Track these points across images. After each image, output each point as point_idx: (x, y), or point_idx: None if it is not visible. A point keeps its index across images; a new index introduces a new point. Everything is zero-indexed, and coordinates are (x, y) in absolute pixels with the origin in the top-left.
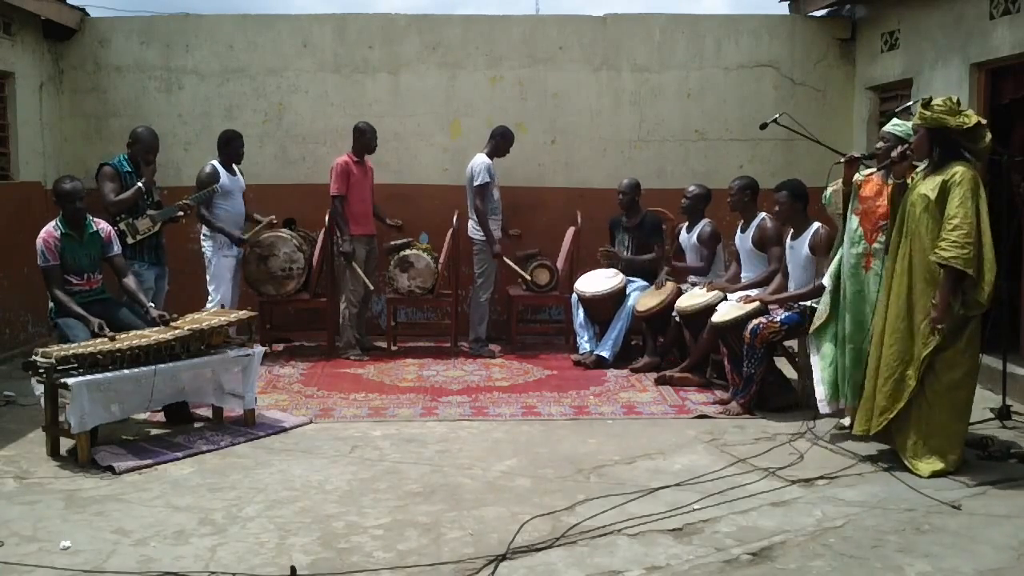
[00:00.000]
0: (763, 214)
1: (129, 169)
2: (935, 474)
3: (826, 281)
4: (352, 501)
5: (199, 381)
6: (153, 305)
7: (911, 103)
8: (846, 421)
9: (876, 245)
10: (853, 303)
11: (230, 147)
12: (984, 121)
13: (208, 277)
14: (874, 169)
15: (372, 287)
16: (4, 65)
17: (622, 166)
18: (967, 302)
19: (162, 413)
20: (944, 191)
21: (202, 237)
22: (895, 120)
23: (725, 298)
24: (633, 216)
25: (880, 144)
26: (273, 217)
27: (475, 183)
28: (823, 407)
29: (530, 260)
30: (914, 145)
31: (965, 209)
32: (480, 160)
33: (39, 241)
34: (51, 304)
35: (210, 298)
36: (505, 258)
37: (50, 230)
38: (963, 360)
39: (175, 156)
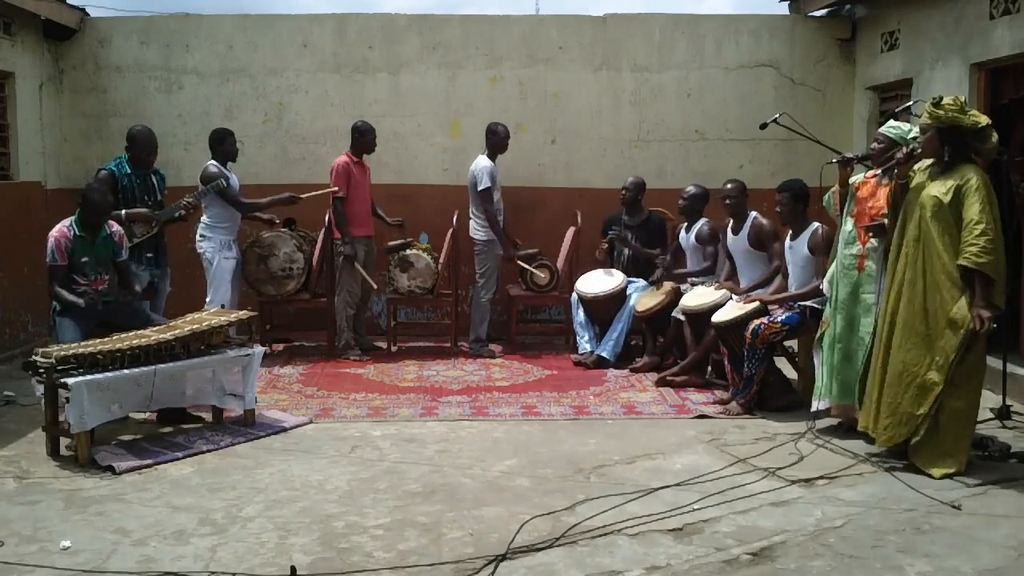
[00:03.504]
0: (754, 213)
1: (129, 171)
2: (946, 476)
3: (825, 287)
4: (352, 501)
5: (199, 381)
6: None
7: (911, 103)
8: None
9: (869, 246)
10: (845, 304)
11: (224, 145)
12: (990, 122)
13: (208, 279)
14: (875, 172)
15: (376, 285)
16: (4, 65)
17: (622, 166)
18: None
19: (156, 414)
20: (958, 195)
21: (199, 238)
22: (890, 122)
23: (731, 298)
24: (636, 215)
25: (875, 145)
26: (274, 216)
27: (478, 188)
28: (814, 404)
29: (530, 260)
30: (923, 145)
31: (982, 214)
32: (482, 163)
33: (51, 238)
34: (54, 303)
35: (208, 299)
36: (518, 260)
37: (63, 230)
38: (979, 366)
39: (175, 156)
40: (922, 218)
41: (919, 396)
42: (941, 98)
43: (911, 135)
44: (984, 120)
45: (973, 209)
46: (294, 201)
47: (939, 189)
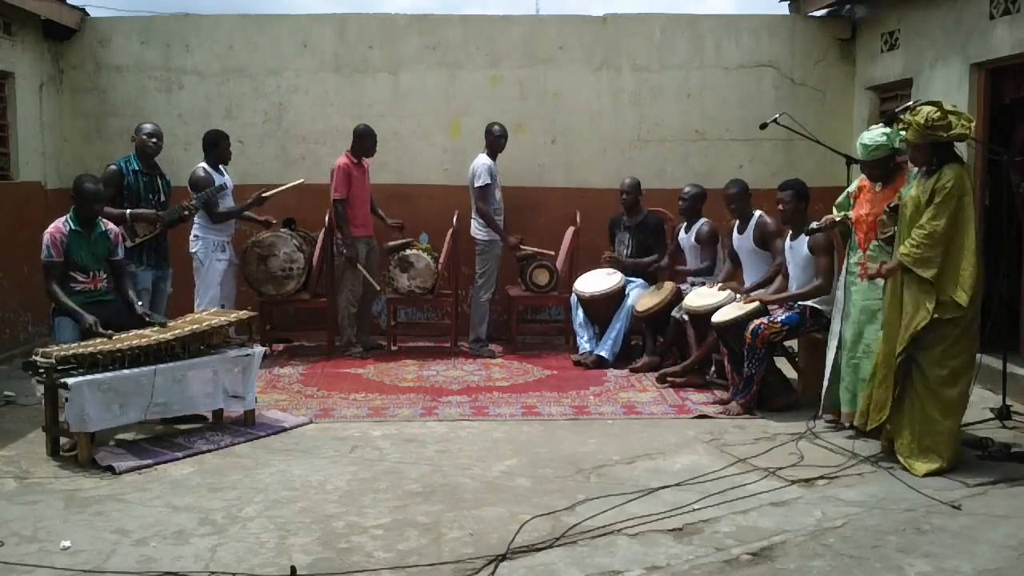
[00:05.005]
0: (759, 212)
1: (136, 168)
2: (930, 473)
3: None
4: (352, 501)
5: (200, 383)
6: (142, 303)
7: (911, 103)
8: (845, 422)
9: (869, 252)
10: (851, 312)
11: (219, 148)
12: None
13: (197, 280)
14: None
15: (379, 287)
16: (4, 65)
17: (622, 166)
18: (942, 301)
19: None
20: (932, 196)
21: (192, 239)
22: (868, 138)
23: (735, 298)
24: (634, 216)
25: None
26: (271, 217)
27: (476, 185)
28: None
29: (530, 260)
30: (913, 158)
31: (935, 211)
32: (481, 161)
33: (46, 235)
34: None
35: (197, 302)
36: (522, 246)
37: (59, 226)
38: (950, 359)
39: (175, 156)
40: (902, 217)
41: (887, 387)
42: (929, 119)
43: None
44: (970, 124)
45: (929, 212)
46: (261, 202)
47: (920, 190)
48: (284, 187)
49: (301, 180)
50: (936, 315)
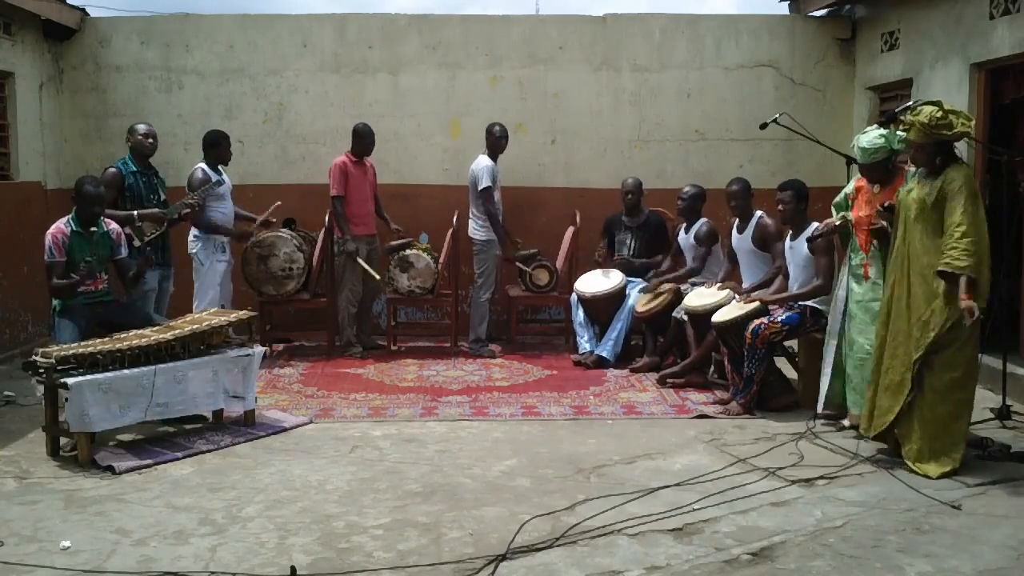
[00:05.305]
0: (759, 212)
1: (135, 169)
2: (944, 475)
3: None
4: (352, 501)
5: (201, 383)
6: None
7: (911, 103)
8: (845, 422)
9: (871, 255)
10: (854, 313)
11: (219, 148)
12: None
13: (197, 282)
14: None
15: (378, 276)
16: (4, 65)
17: (622, 166)
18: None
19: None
20: (941, 196)
21: (192, 239)
22: (865, 140)
23: (735, 298)
24: (636, 216)
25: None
26: (271, 217)
27: (479, 187)
28: (819, 407)
29: (530, 260)
30: (916, 158)
31: (970, 216)
32: (482, 164)
33: (48, 236)
34: (54, 303)
35: (196, 303)
36: (516, 263)
37: (60, 227)
38: (961, 360)
39: (175, 156)
40: (906, 220)
41: (895, 392)
42: (932, 118)
43: (897, 141)
44: (970, 123)
45: (956, 212)
46: (247, 237)
47: (924, 191)
48: (265, 214)
49: (278, 203)
50: (956, 317)
